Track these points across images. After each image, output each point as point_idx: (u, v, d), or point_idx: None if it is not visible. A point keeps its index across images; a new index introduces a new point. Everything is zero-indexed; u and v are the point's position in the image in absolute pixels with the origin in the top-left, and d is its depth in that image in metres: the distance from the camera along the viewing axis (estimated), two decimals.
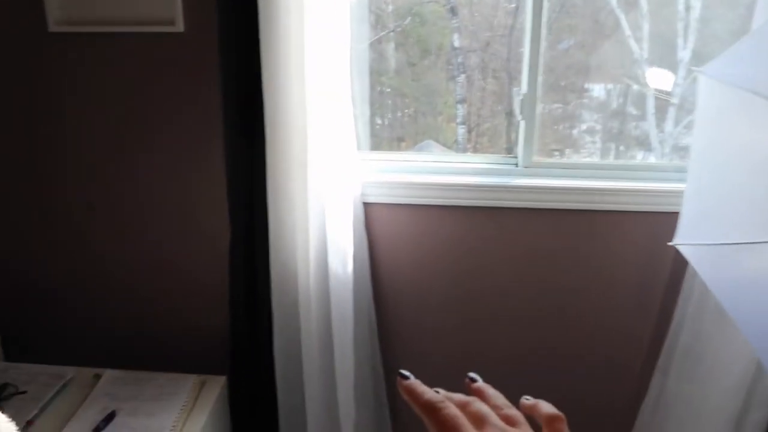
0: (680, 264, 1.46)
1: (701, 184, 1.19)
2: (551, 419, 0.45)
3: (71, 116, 1.46)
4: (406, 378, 0.44)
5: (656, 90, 1.67)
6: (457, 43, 1.73)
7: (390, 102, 1.90)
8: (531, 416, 0.45)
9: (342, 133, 1.35)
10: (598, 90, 1.78)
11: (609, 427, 1.67)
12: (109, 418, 1.30)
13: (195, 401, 1.38)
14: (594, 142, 1.82)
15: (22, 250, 1.57)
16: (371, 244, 1.49)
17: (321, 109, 1.31)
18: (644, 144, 1.77)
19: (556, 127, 1.82)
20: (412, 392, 0.42)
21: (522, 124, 1.51)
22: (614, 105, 1.80)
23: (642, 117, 1.74)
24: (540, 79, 1.48)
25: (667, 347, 1.56)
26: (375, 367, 1.56)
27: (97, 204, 1.51)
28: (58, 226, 1.55)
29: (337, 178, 1.36)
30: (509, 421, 0.42)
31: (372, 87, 1.70)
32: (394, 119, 1.91)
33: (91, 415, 1.31)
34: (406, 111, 1.90)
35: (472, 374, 0.48)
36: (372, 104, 1.69)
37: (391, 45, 1.78)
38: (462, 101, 1.82)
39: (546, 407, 0.46)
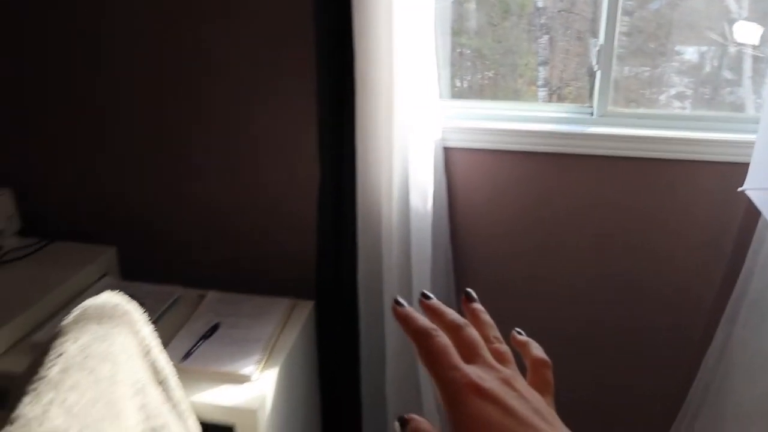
0: (752, 214, 1.50)
1: None
2: (539, 363, 0.45)
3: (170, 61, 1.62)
4: (401, 305, 0.43)
5: (754, 52, 1.63)
6: (540, 3, 1.74)
7: (470, 64, 1.88)
8: (519, 353, 0.45)
9: (425, 81, 1.45)
10: (690, 53, 1.73)
11: (672, 370, 1.73)
12: (214, 329, 1.47)
13: (287, 320, 1.53)
14: (684, 108, 1.77)
15: (140, 184, 1.76)
16: (449, 184, 1.59)
17: (406, 59, 1.41)
18: (739, 110, 1.70)
19: (642, 91, 1.78)
20: (405, 318, 0.42)
21: (598, 74, 1.57)
22: (707, 68, 1.75)
23: (737, 82, 1.68)
24: (618, 28, 1.52)
25: (735, 296, 1.60)
26: (449, 302, 1.67)
27: (206, 145, 1.68)
28: (169, 163, 1.72)
29: (420, 122, 1.46)
30: (499, 356, 0.42)
31: (452, 48, 1.75)
32: (474, 81, 1.90)
33: (197, 326, 1.48)
34: (486, 73, 1.88)
35: (469, 290, 0.48)
36: (452, 66, 1.74)
37: (472, 5, 1.79)
38: (544, 63, 1.82)
39: (536, 349, 0.45)
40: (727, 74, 1.71)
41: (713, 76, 1.73)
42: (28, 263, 1.69)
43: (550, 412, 0.39)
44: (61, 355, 0.93)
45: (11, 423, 0.81)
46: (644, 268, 1.63)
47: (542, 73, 1.83)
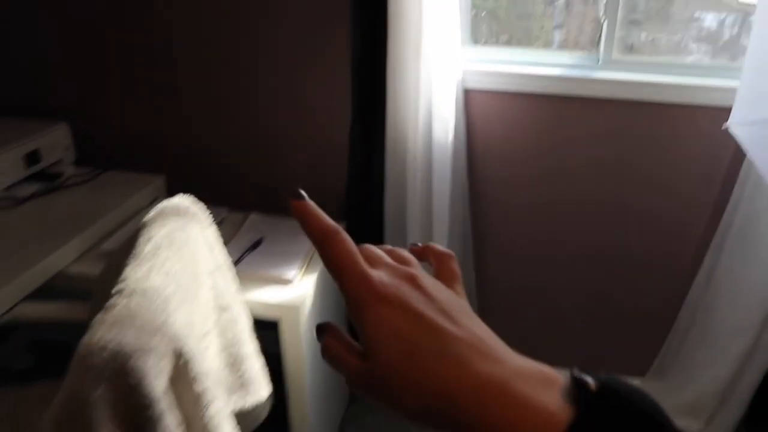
0: (741, 151, 1.67)
1: (760, 62, 1.39)
2: (442, 257, 0.44)
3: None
4: (300, 198, 0.39)
5: None
6: None
7: (485, 27, 1.96)
8: (424, 260, 0.45)
9: (449, 27, 1.62)
10: (710, 20, 1.78)
11: (663, 293, 1.92)
12: (257, 243, 1.66)
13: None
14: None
15: (187, 115, 1.94)
16: (468, 121, 1.77)
17: (433, 8, 1.57)
18: None
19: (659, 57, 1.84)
20: (306, 215, 0.38)
21: (604, 24, 1.73)
22: (726, 36, 1.80)
23: None
24: None
25: (722, 226, 1.78)
26: (465, 233, 1.86)
27: (245, 76, 1.86)
28: (213, 94, 1.91)
29: (444, 64, 1.63)
30: (402, 261, 0.41)
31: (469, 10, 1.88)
32: (488, 45, 1.96)
33: (243, 241, 1.68)
34: (501, 37, 1.97)
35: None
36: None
37: None
38: (559, 27, 1.91)
39: (436, 246, 0.44)
40: (746, 41, 1.71)
41: (731, 43, 1.80)
42: (86, 189, 1.88)
43: (458, 306, 0.38)
44: (150, 238, 1.12)
45: (120, 283, 1.00)
46: (641, 196, 1.81)
47: (557, 36, 1.93)
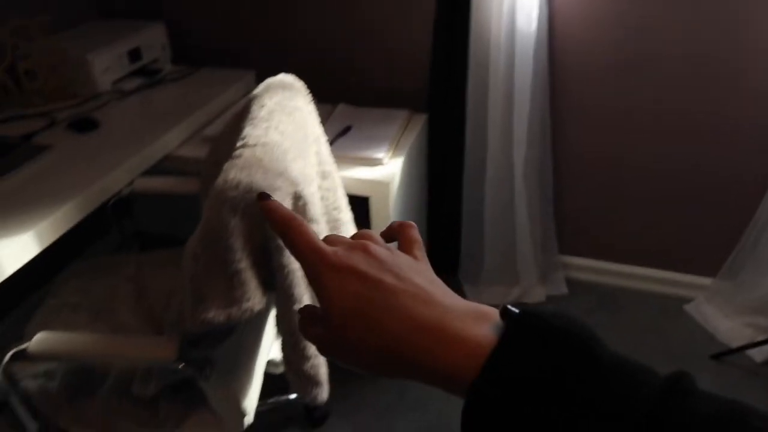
0: None
1: None
2: (402, 227, 0.47)
3: None
4: (266, 197, 0.45)
5: None
6: None
7: None
8: (394, 238, 0.48)
9: None
10: None
11: (742, 187, 1.93)
12: (346, 130, 1.76)
13: (407, 125, 1.82)
14: None
15: (278, 12, 2.03)
16: (551, 12, 1.79)
17: None
18: None
19: None
20: (270, 210, 0.44)
21: None
22: None
23: None
24: None
25: None
26: (543, 115, 1.90)
27: None
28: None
29: None
30: (362, 237, 0.45)
31: None
32: None
33: (333, 128, 1.78)
34: None
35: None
36: None
37: None
38: None
39: (398, 221, 0.48)
40: None
41: None
42: (183, 84, 2.01)
43: (409, 266, 0.42)
44: (264, 105, 1.22)
45: (242, 140, 1.10)
46: (725, 99, 1.80)
47: None
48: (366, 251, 0.42)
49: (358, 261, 0.41)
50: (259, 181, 0.97)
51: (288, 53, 2.08)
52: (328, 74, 2.07)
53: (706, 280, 2.10)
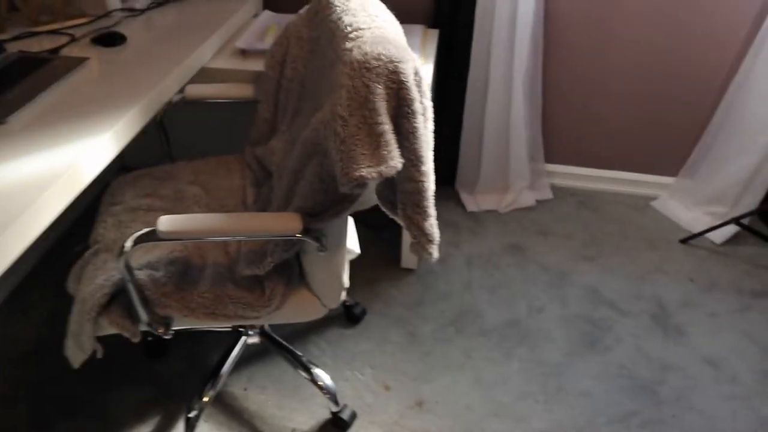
0: None
1: None
2: None
3: None
4: None
5: None
6: None
7: None
8: None
9: None
10: None
11: (700, 96, 2.21)
12: None
13: (425, 38, 1.93)
14: None
15: None
16: None
17: None
18: None
19: None
20: None
21: None
22: None
23: None
24: None
25: (761, 33, 2.05)
26: (536, 40, 2.08)
27: None
28: None
29: None
30: None
31: None
32: None
33: None
34: None
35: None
36: None
37: None
38: None
39: None
40: None
41: None
42: (190, 4, 2.00)
43: None
44: (349, 1, 1.30)
45: (348, 26, 1.19)
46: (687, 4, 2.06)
47: None
48: None
49: None
50: (395, 52, 1.07)
51: None
52: None
53: (669, 180, 2.39)
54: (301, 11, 1.45)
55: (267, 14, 2.01)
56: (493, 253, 2.14)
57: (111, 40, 1.68)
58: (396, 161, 1.07)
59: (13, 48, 1.66)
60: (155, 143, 1.94)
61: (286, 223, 1.16)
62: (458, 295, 1.96)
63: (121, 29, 1.76)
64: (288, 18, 1.97)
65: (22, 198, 1.09)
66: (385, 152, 1.06)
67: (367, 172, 1.04)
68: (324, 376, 1.60)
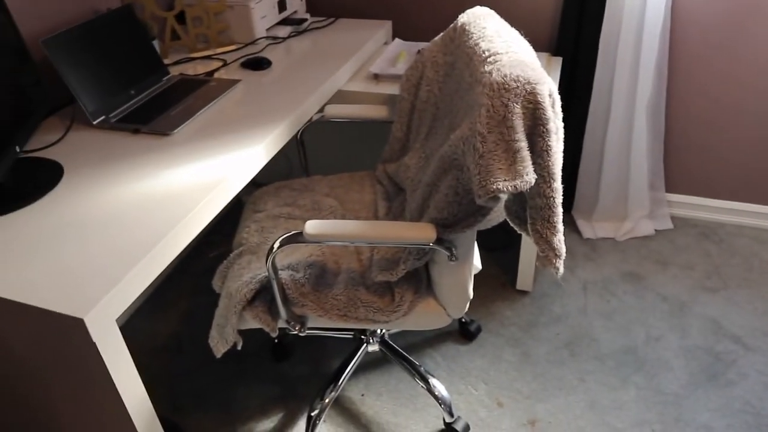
0: None
1: None
2: None
3: None
4: None
5: None
6: None
7: None
8: None
9: None
10: None
11: None
12: None
13: (549, 66, 1.99)
14: None
15: None
16: None
17: None
18: None
19: None
20: None
21: None
22: None
23: None
24: None
25: None
26: (661, 72, 2.08)
27: None
28: None
29: None
30: None
31: None
32: None
33: None
34: None
35: None
36: None
37: None
38: None
39: None
40: None
41: None
42: (327, 32, 2.16)
43: None
44: (485, 27, 1.38)
45: (486, 51, 1.27)
46: None
47: None
48: None
49: None
50: (531, 74, 1.14)
51: (418, 3, 2.24)
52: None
53: None
54: (436, 38, 1.55)
55: (397, 42, 2.13)
56: (610, 279, 2.13)
57: (258, 64, 1.84)
58: (530, 176, 1.13)
59: (175, 71, 1.86)
60: (280, 159, 2.10)
61: (421, 232, 1.24)
62: (573, 319, 1.97)
63: (266, 55, 1.94)
64: (417, 45, 2.09)
65: (186, 201, 1.24)
66: (521, 168, 1.13)
67: (503, 185, 1.11)
68: (440, 387, 1.65)
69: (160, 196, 1.25)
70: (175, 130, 1.50)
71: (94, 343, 1.00)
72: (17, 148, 1.34)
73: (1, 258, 1.10)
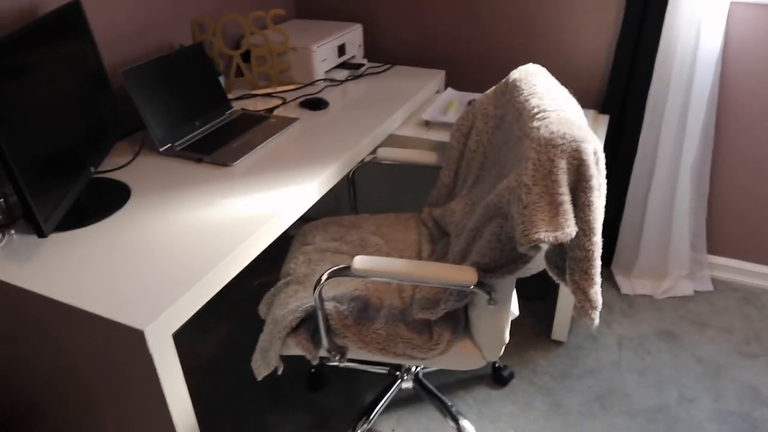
0: None
1: None
2: None
3: None
4: None
5: None
6: None
7: None
8: None
9: None
10: None
11: None
12: None
13: (595, 124, 2.04)
14: None
15: (463, 20, 2.29)
16: (727, 34, 2.01)
17: None
18: None
19: None
20: None
21: None
22: None
23: None
24: None
25: None
26: (707, 134, 2.11)
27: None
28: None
29: None
30: None
31: None
32: None
33: None
34: None
35: None
36: None
37: None
38: None
39: None
40: None
41: None
42: (383, 78, 2.26)
43: None
44: (536, 84, 1.45)
45: (536, 108, 1.33)
46: None
47: None
48: None
49: None
50: (578, 133, 1.20)
51: (472, 55, 2.33)
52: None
53: None
54: (488, 92, 1.63)
55: (450, 91, 2.22)
56: (645, 336, 2.13)
57: (316, 104, 1.95)
58: (571, 229, 1.18)
59: (237, 106, 1.97)
60: (328, 195, 2.19)
61: (463, 275, 1.29)
62: (606, 373, 1.98)
63: (323, 96, 2.04)
64: (468, 96, 2.17)
65: (241, 231, 1.32)
66: (563, 220, 1.18)
67: (544, 235, 1.16)
68: (470, 428, 1.68)
69: (218, 224, 1.34)
70: (235, 162, 1.60)
71: (150, 355, 1.08)
72: (92, 169, 1.45)
73: (71, 268, 1.19)
